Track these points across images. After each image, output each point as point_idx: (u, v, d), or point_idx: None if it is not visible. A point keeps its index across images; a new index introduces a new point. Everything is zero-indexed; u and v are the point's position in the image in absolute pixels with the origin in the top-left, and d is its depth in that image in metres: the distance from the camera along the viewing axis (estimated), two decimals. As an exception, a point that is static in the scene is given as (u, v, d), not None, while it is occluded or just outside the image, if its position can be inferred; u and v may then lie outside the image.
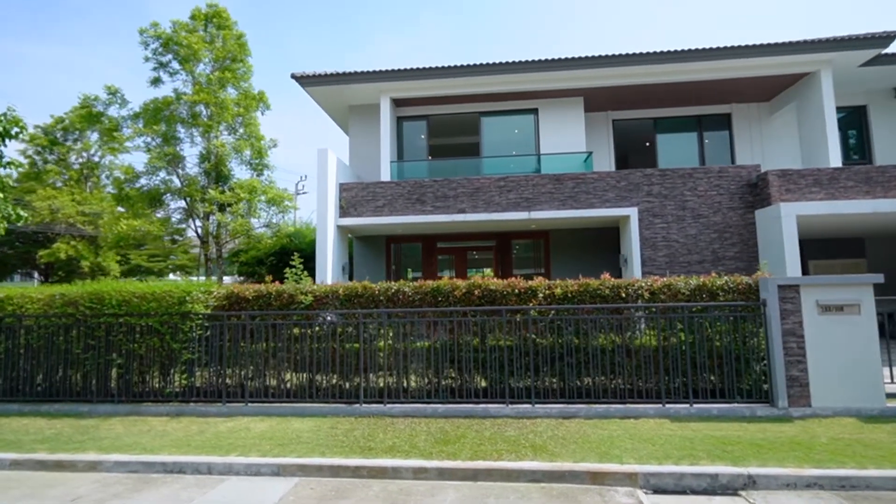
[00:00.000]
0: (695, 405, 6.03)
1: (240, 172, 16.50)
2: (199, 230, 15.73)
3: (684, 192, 10.20)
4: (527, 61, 11.58)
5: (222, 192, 14.88)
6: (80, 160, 27.60)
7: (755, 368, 6.17)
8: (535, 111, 12.39)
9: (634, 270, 9.97)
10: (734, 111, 12.79)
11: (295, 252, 17.70)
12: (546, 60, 11.54)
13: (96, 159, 28.36)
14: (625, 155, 13.64)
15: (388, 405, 6.43)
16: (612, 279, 6.56)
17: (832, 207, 9.12)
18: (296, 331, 6.92)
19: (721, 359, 6.16)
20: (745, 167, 10.18)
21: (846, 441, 5.06)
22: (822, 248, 11.78)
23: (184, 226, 17.19)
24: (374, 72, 11.70)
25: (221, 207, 15.13)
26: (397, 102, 12.55)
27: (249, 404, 6.67)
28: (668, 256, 10.05)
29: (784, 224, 8.88)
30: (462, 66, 11.66)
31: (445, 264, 13.28)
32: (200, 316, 6.90)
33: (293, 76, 11.71)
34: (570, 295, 6.58)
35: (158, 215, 16.38)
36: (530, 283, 6.70)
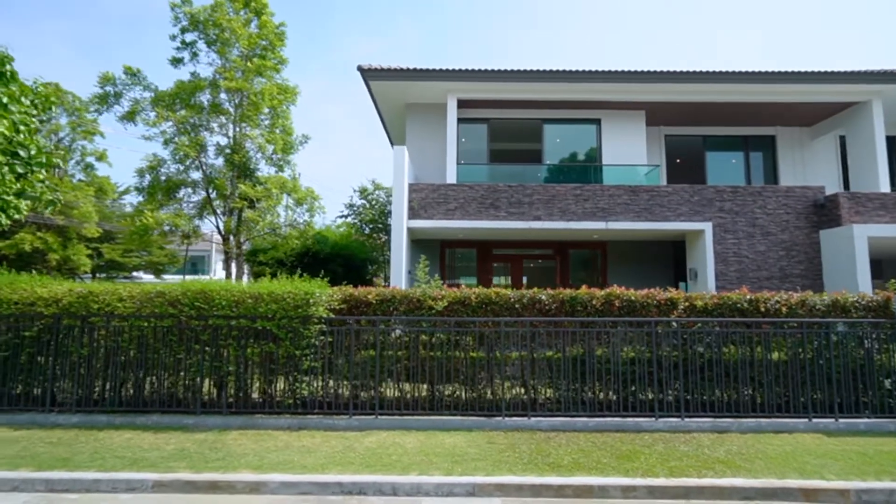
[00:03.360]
0: (840, 419, 6.15)
1: (262, 167, 15.56)
2: (222, 226, 14.69)
3: (754, 209, 10.56)
4: (592, 71, 11.67)
5: (253, 187, 13.99)
6: (49, 143, 25.22)
7: (884, 384, 6.38)
8: (597, 122, 12.49)
9: (708, 285, 10.18)
10: (778, 133, 13.44)
11: (316, 254, 17.03)
12: (611, 72, 11.68)
13: (66, 143, 26.11)
14: (674, 169, 13.98)
15: (534, 419, 6.16)
16: (750, 293, 6.62)
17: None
18: (423, 338, 6.54)
19: (849, 374, 6.31)
20: (811, 188, 10.68)
21: None
22: (874, 269, 12.44)
23: (196, 221, 16.00)
24: (443, 70, 11.41)
25: (250, 203, 14.21)
26: (459, 103, 12.29)
27: (380, 417, 6.20)
28: (738, 272, 10.34)
29: (857, 244, 9.35)
30: (530, 70, 11.58)
31: (500, 271, 13.08)
32: (323, 320, 6.37)
33: (359, 68, 11.20)
34: (709, 307, 6.59)
35: (169, 209, 15.16)
36: (670, 294, 6.66)
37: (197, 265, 42.83)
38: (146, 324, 6.34)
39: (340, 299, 6.66)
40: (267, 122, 15.40)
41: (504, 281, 12.84)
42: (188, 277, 34.89)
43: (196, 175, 15.06)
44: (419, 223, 10.53)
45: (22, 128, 7.79)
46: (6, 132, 7.26)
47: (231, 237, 14.65)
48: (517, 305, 6.64)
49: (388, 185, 22.40)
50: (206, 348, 6.27)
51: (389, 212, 23.52)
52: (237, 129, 14.43)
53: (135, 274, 33.75)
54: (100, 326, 6.36)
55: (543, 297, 6.67)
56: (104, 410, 6.20)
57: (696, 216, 10.58)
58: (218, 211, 14.50)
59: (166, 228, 13.76)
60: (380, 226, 22.05)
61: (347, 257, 17.82)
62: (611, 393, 6.50)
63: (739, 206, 10.61)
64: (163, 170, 14.07)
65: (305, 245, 15.42)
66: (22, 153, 7.80)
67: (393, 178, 10.13)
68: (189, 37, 14.23)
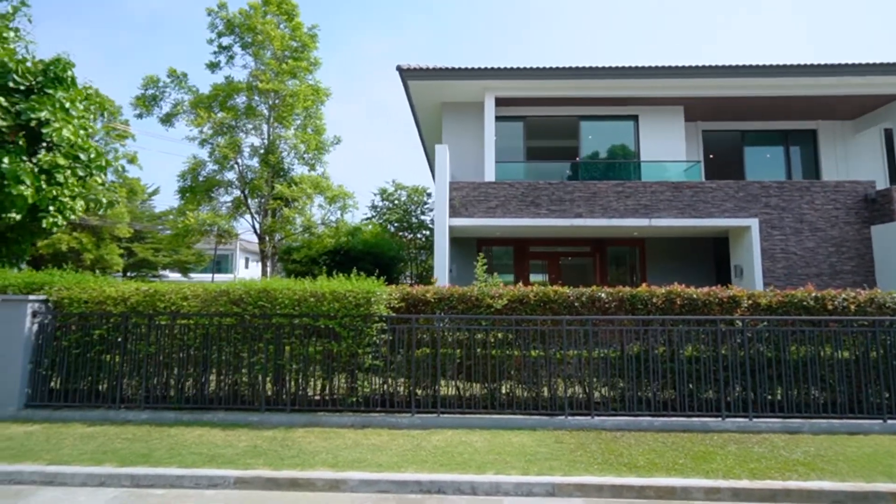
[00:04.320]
0: (915, 421, 5.98)
1: (296, 167, 15.69)
2: (258, 225, 14.87)
3: (801, 204, 10.33)
4: (630, 67, 11.52)
5: (289, 187, 14.13)
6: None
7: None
8: (635, 118, 12.33)
9: (755, 282, 10.00)
10: (820, 127, 13.13)
11: (347, 252, 17.13)
12: (649, 68, 11.52)
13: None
14: (711, 165, 13.75)
15: (598, 418, 6.11)
16: (817, 291, 6.47)
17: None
18: (479, 336, 6.53)
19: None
20: (861, 182, 10.41)
21: None
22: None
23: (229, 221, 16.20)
24: (481, 69, 11.37)
25: (286, 203, 14.36)
26: (496, 101, 12.24)
27: (442, 415, 6.21)
28: (786, 269, 10.13)
29: (913, 240, 9.09)
30: (567, 67, 11.47)
31: (536, 269, 13.02)
32: (384, 318, 6.40)
33: (398, 68, 11.23)
34: (773, 305, 6.46)
35: (206, 209, 15.41)
36: (733, 292, 6.54)
37: (220, 264, 43.49)
38: (210, 322, 6.44)
39: (399, 298, 6.68)
40: (300, 123, 15.53)
41: (541, 279, 12.77)
42: (217, 277, 35.45)
43: (230, 176, 15.27)
44: (460, 221, 10.52)
45: (81, 132, 7.98)
46: (72, 137, 7.44)
47: (266, 236, 14.80)
48: (576, 304, 6.59)
49: (409, 184, 22.53)
50: (269, 346, 6.35)
51: (412, 210, 23.74)
52: (272, 130, 14.57)
53: (162, 272, 34.38)
54: (166, 325, 6.48)
55: (603, 295, 6.60)
56: (171, 407, 6.32)
57: (742, 212, 10.38)
58: (252, 210, 14.67)
59: (206, 228, 13.96)
60: (404, 224, 22.17)
61: (377, 255, 17.89)
62: (672, 392, 6.43)
63: (786, 202, 10.38)
64: (202, 171, 14.28)
65: (338, 243, 15.53)
66: (82, 157, 8.01)
67: (436, 176, 10.13)
68: (225, 41, 14.41)
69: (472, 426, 6.08)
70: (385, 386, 6.41)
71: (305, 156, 15.86)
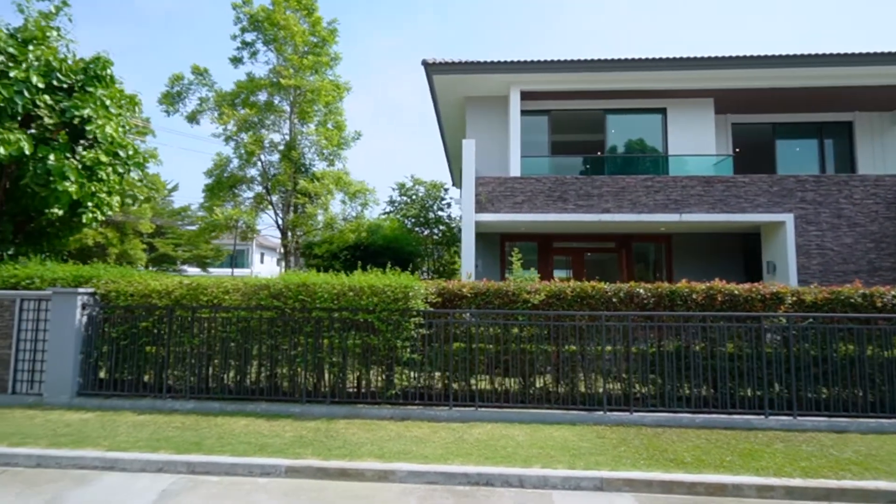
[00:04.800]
0: (968, 420, 5.84)
1: (316, 163, 15.82)
2: (281, 221, 15.06)
3: (839, 199, 10.10)
4: (658, 59, 11.32)
5: (311, 182, 14.26)
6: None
7: None
8: (663, 111, 12.15)
9: (789, 279, 9.82)
10: (856, 119, 12.78)
11: (367, 247, 17.25)
12: (678, 59, 11.31)
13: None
14: (740, 159, 13.51)
15: (636, 413, 6.10)
16: (864, 288, 6.34)
17: None
18: (514, 331, 6.54)
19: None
20: (903, 176, 10.13)
21: None
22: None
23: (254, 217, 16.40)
24: (506, 62, 11.29)
25: (309, 198, 14.50)
26: (521, 95, 12.16)
27: (480, 409, 6.26)
28: (821, 265, 9.93)
29: (959, 236, 8.83)
30: (594, 59, 11.33)
31: (560, 265, 12.96)
32: (422, 312, 6.46)
33: (424, 62, 11.22)
34: (818, 302, 6.35)
35: (229, 205, 15.63)
36: (776, 289, 6.45)
37: (236, 259, 44.13)
38: (251, 315, 6.56)
39: (435, 292, 6.73)
40: (321, 119, 15.62)
41: (565, 274, 12.71)
42: (235, 271, 35.97)
43: (251, 172, 15.46)
44: (486, 217, 10.52)
45: (120, 129, 8.16)
46: (114, 133, 7.60)
47: (288, 232, 14.99)
48: (614, 299, 6.56)
49: (427, 179, 22.52)
50: (309, 340, 6.45)
51: (430, 206, 23.76)
52: (293, 126, 14.70)
53: (182, 267, 34.99)
54: (208, 317, 6.63)
55: (641, 291, 6.56)
56: (215, 397, 6.48)
57: (776, 207, 10.19)
58: (277, 206, 14.85)
59: (232, 224, 14.19)
60: (421, 220, 22.19)
61: (396, 250, 18.00)
62: (711, 389, 6.37)
63: (822, 197, 10.15)
64: (228, 168, 14.50)
65: (359, 238, 15.65)
66: (121, 153, 8.19)
67: (463, 171, 10.13)
68: (248, 36, 14.55)
69: (510, 420, 6.12)
70: (422, 379, 6.47)
71: (325, 151, 15.98)
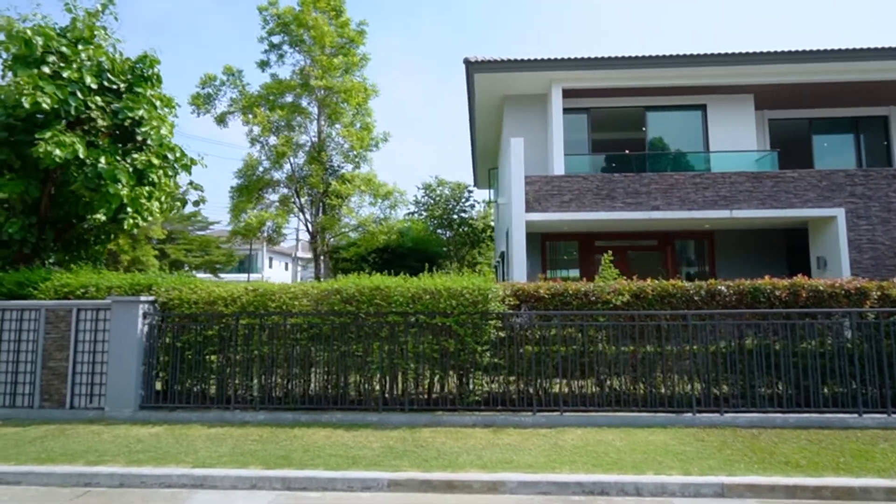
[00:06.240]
0: None
1: (345, 164, 15.58)
2: (310, 224, 14.80)
3: (889, 192, 10.00)
4: (699, 55, 11.22)
5: (343, 184, 14.03)
6: None
7: None
8: (703, 107, 12.03)
9: (841, 273, 9.69)
10: (892, 114, 12.72)
11: (395, 250, 17.04)
12: (718, 55, 11.21)
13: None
14: (779, 155, 13.42)
15: (727, 415, 5.93)
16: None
17: None
18: (592, 332, 6.36)
19: None
20: (953, 169, 10.05)
21: None
22: None
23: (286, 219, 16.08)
24: (549, 59, 11.14)
25: (341, 200, 14.25)
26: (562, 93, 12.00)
27: (565, 414, 6.06)
28: (873, 259, 9.83)
29: None
30: (635, 56, 11.20)
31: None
32: (501, 315, 6.26)
33: (466, 60, 11.04)
34: (905, 297, 6.20)
35: (257, 209, 15.35)
36: (861, 284, 6.31)
37: (243, 264, 43.73)
38: (322, 321, 6.33)
39: (512, 294, 6.53)
40: (349, 120, 15.39)
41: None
42: (243, 276, 35.58)
43: (277, 175, 15.21)
44: (534, 216, 10.35)
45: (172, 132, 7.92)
46: (168, 135, 7.36)
47: (317, 235, 14.73)
48: (696, 297, 6.40)
49: (451, 180, 22.36)
50: (384, 345, 6.23)
51: (453, 207, 23.59)
52: (322, 128, 14.46)
53: (193, 272, 34.60)
54: (277, 325, 6.39)
55: (723, 289, 6.40)
56: (286, 408, 6.24)
57: (825, 202, 10.08)
58: (305, 209, 14.60)
59: (264, 227, 13.94)
60: (444, 221, 22.05)
61: (422, 252, 17.83)
62: (796, 388, 6.21)
63: (872, 191, 10.05)
64: (258, 170, 14.24)
65: (388, 241, 15.44)
66: (169, 156, 7.93)
67: (511, 170, 9.96)
68: (275, 39, 14.31)
69: (597, 424, 5.92)
70: (502, 384, 6.27)
71: (350, 153, 15.74)
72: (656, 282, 6.50)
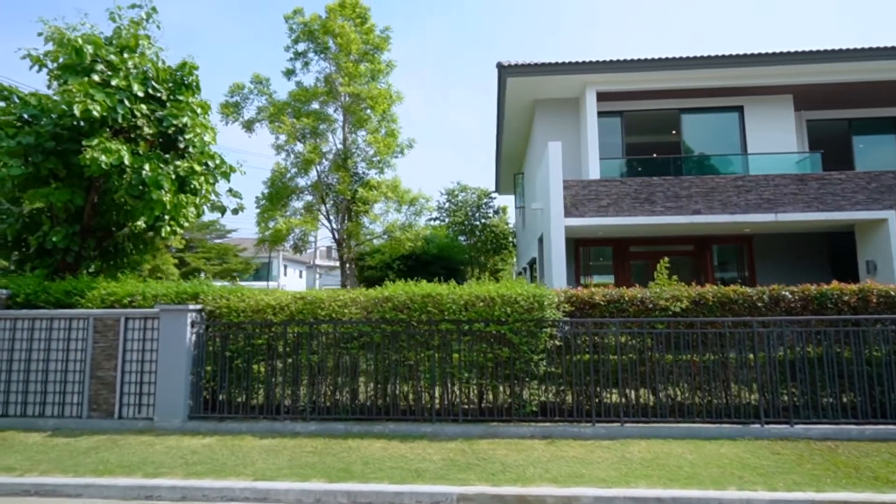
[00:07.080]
0: None
1: (370, 172, 15.56)
2: (336, 231, 14.75)
3: (941, 194, 9.67)
4: (735, 55, 11.01)
5: (369, 191, 13.98)
6: None
7: None
8: (739, 109, 11.79)
9: (893, 278, 9.34)
10: (934, 113, 12.37)
11: (419, 257, 16.92)
12: (756, 55, 10.98)
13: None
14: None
15: (799, 426, 5.67)
16: None
17: None
18: (650, 340, 6.15)
19: None
20: None
21: None
22: None
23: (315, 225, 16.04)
24: (582, 62, 11.01)
25: (368, 206, 14.20)
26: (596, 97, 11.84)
27: (626, 425, 5.85)
28: (927, 263, 9.47)
29: None
30: (670, 58, 11.02)
31: (635, 269, 12.54)
32: (557, 322, 6.08)
33: (499, 65, 10.97)
34: (984, 303, 5.91)
35: (284, 216, 15.34)
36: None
37: (259, 271, 43.95)
38: (373, 329, 6.20)
39: (566, 301, 6.35)
40: (374, 126, 15.38)
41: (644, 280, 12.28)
42: (261, 284, 35.73)
43: (302, 182, 15.22)
44: (573, 221, 10.16)
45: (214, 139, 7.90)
46: (212, 142, 7.34)
47: (343, 242, 14.68)
48: (759, 303, 6.16)
49: (475, 185, 22.25)
50: (437, 354, 6.08)
51: (473, 213, 23.46)
52: (346, 135, 14.45)
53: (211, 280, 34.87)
54: (327, 333, 6.28)
55: (788, 294, 6.16)
56: (338, 418, 6.11)
57: (875, 204, 9.76)
58: (331, 216, 14.56)
59: (294, 233, 13.93)
60: (466, 227, 21.93)
61: (446, 259, 17.70)
62: (859, 397, 5.92)
63: (923, 193, 9.72)
64: (285, 177, 14.26)
65: (414, 248, 15.33)
66: (210, 163, 7.91)
67: (550, 174, 9.80)
68: (301, 47, 14.38)
69: (661, 436, 5.69)
70: (558, 394, 6.08)
71: (374, 159, 15.70)
72: (716, 287, 6.28)
